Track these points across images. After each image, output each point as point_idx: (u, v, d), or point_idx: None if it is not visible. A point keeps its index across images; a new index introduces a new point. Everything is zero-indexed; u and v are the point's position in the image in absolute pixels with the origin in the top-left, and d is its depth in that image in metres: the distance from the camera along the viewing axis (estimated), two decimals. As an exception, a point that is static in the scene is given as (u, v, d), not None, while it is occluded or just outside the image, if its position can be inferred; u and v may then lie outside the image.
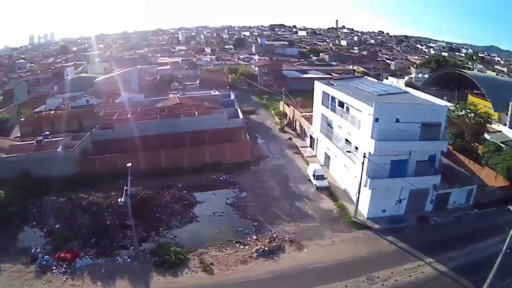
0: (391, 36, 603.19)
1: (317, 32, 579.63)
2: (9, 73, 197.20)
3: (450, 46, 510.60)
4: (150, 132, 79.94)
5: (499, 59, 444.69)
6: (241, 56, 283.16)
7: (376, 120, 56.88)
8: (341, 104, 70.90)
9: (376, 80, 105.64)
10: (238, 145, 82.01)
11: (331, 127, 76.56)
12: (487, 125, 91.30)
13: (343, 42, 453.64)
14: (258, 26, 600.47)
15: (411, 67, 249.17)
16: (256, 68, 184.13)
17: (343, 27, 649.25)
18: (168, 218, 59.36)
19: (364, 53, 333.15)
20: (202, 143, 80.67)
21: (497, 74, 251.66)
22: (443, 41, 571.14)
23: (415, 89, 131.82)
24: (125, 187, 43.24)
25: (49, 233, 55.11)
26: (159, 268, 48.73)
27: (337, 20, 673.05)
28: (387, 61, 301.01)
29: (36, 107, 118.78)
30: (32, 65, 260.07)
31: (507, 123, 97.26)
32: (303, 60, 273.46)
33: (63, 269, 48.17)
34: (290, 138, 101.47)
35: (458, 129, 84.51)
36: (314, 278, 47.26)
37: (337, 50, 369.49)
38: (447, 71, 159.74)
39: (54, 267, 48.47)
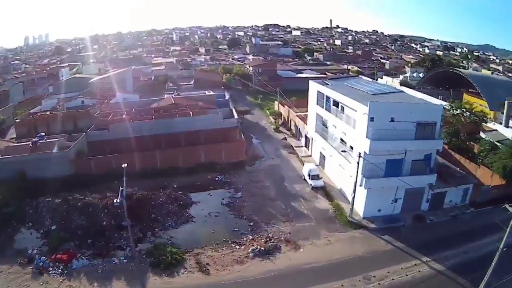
0: (385, 35, 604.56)
1: (311, 31, 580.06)
2: (4, 74, 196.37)
3: (445, 45, 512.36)
4: (145, 133, 79.79)
5: (494, 57, 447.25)
6: (236, 56, 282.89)
7: (371, 119, 56.87)
8: (336, 104, 70.92)
9: (370, 80, 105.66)
10: (233, 145, 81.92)
11: (326, 127, 76.61)
12: (483, 124, 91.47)
13: (338, 42, 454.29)
14: (252, 26, 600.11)
15: (406, 66, 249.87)
16: (251, 68, 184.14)
17: (337, 26, 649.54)
18: (164, 218, 59.22)
19: (359, 52, 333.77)
20: (197, 143, 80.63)
21: (492, 73, 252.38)
22: (438, 40, 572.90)
23: (410, 88, 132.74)
24: (121, 188, 43.19)
25: (46, 234, 54.95)
26: (156, 269, 48.65)
27: (331, 20, 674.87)
28: (382, 60, 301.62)
29: (32, 108, 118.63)
30: (27, 66, 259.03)
31: (503, 122, 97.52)
32: (297, 59, 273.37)
33: (60, 270, 48.06)
34: (285, 138, 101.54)
35: (453, 128, 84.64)
36: (310, 278, 47.25)
37: (331, 49, 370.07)
38: (442, 70, 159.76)
39: (51, 268, 48.34)
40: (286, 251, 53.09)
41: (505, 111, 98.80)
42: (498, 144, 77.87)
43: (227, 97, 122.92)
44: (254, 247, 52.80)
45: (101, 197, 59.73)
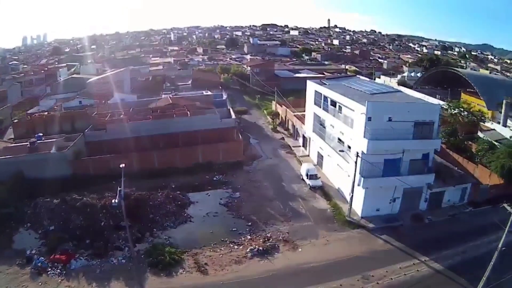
0: (383, 35, 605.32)
1: (309, 31, 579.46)
2: (2, 75, 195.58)
3: (443, 44, 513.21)
4: (143, 133, 79.54)
5: (492, 57, 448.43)
6: (233, 56, 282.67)
7: (369, 119, 56.98)
8: (334, 104, 71.01)
9: (368, 79, 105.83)
10: (231, 145, 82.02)
11: (324, 127, 76.67)
12: (481, 123, 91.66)
13: (335, 41, 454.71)
14: (250, 26, 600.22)
15: (403, 66, 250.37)
16: (248, 68, 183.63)
17: (335, 26, 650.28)
18: (162, 218, 59.19)
19: (356, 52, 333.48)
20: (195, 143, 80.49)
21: (490, 73, 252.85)
22: (435, 40, 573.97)
23: (408, 88, 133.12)
24: (119, 188, 43.34)
25: (44, 234, 54.84)
26: (154, 269, 48.58)
27: (329, 20, 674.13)
28: (380, 60, 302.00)
29: (30, 109, 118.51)
30: (25, 66, 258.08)
31: (501, 121, 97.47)
32: (295, 59, 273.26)
33: (58, 271, 48.04)
34: (283, 138, 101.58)
35: (451, 127, 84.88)
36: (308, 278, 47.29)
37: (329, 49, 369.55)
38: (440, 70, 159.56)
39: (49, 269, 48.31)
40: (285, 251, 53.10)
41: (503, 111, 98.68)
42: (496, 143, 77.90)
43: (224, 97, 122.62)
44: (252, 247, 52.80)
45: (99, 198, 59.60)
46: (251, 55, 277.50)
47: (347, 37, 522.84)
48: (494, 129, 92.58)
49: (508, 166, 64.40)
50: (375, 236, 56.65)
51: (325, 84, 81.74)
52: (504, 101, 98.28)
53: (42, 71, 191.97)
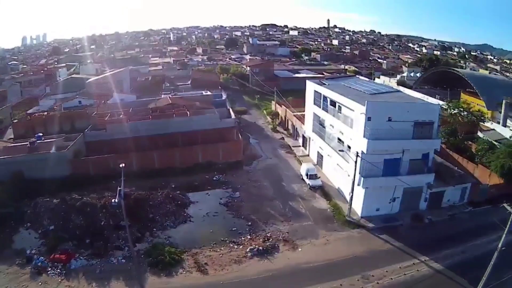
0: (382, 35, 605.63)
1: (309, 31, 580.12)
2: (2, 75, 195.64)
3: (442, 44, 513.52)
4: (143, 133, 79.68)
5: (492, 57, 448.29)
6: (233, 56, 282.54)
7: (369, 119, 57.02)
8: (333, 103, 71.02)
9: (368, 79, 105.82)
10: (230, 145, 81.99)
11: (323, 127, 76.68)
12: (480, 123, 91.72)
13: (335, 42, 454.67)
14: (250, 26, 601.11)
15: (403, 66, 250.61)
16: (248, 68, 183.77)
17: (335, 26, 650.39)
18: (162, 218, 59.13)
19: (356, 52, 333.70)
20: (195, 143, 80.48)
21: (490, 73, 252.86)
22: (435, 40, 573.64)
23: (408, 88, 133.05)
24: (119, 188, 43.18)
25: (44, 234, 54.82)
26: (154, 269, 48.61)
27: (328, 20, 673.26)
28: (379, 60, 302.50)
29: (29, 109, 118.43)
30: (25, 66, 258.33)
31: (500, 121, 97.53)
32: (294, 59, 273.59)
33: (58, 270, 48.07)
34: (283, 138, 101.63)
35: (451, 127, 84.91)
36: (308, 277, 47.31)
37: (328, 49, 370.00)
38: (440, 70, 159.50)
39: (49, 268, 48.34)
40: (284, 251, 53.10)
41: (502, 111, 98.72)
42: (496, 143, 77.90)
43: (224, 97, 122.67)
44: (252, 247, 52.80)
45: (99, 197, 59.57)
46: (250, 55, 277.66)
47: (347, 37, 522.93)
48: (493, 129, 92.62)
49: (508, 166, 64.37)
50: (375, 236, 56.64)
51: (325, 84, 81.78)
52: (503, 101, 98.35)
53: (42, 71, 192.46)
